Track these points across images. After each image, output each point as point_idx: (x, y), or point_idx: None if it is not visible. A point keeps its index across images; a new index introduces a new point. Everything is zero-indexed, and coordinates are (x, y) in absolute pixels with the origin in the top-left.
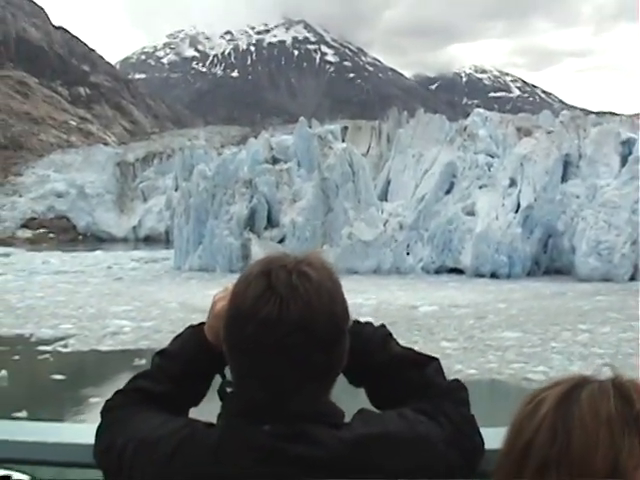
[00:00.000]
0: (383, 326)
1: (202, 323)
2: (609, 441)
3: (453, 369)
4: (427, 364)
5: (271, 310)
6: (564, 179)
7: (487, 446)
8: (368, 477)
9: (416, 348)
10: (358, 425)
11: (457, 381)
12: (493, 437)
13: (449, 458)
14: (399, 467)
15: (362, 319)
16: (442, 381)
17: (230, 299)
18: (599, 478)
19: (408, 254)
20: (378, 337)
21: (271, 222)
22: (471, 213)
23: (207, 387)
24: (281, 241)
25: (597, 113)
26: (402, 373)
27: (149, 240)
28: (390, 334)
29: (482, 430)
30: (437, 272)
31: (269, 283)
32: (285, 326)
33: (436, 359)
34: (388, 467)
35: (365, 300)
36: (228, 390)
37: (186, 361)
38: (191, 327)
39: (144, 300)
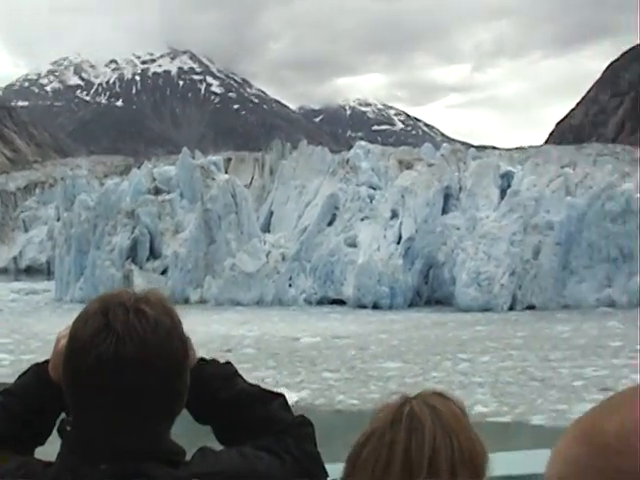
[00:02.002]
0: (229, 363)
1: (47, 361)
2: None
3: (335, 400)
4: (273, 400)
5: (107, 348)
6: (444, 211)
7: None
8: None
9: (298, 379)
10: (196, 463)
11: (302, 417)
12: (337, 471)
13: None
14: None
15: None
16: (287, 417)
17: (69, 336)
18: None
19: (290, 285)
20: (223, 374)
21: (153, 253)
22: (353, 245)
23: (52, 426)
24: (163, 272)
25: (478, 147)
26: (247, 409)
27: (30, 271)
28: (236, 371)
29: (328, 466)
30: (319, 303)
31: (106, 321)
32: (121, 364)
33: (282, 395)
34: None
35: (247, 331)
36: (68, 428)
37: (28, 399)
38: (35, 365)
39: (23, 332)
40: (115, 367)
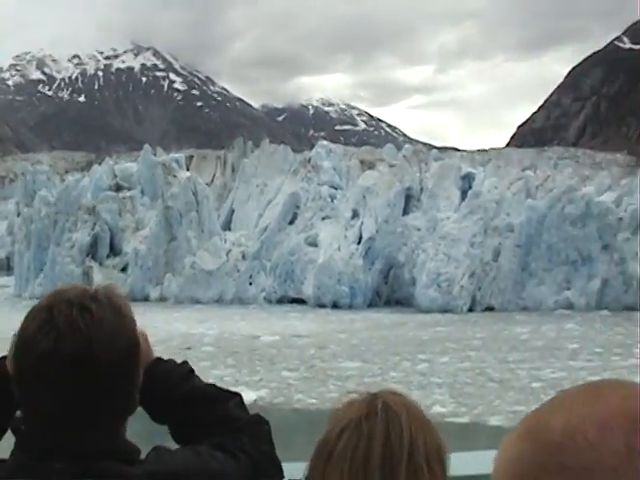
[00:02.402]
0: (185, 362)
1: (4, 357)
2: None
3: (294, 398)
4: (229, 399)
5: (48, 344)
6: (405, 212)
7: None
8: None
9: (257, 378)
10: (150, 462)
11: (258, 415)
12: (296, 470)
13: None
14: None
15: (173, 355)
16: (243, 416)
17: (18, 332)
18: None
19: (251, 284)
20: (179, 373)
21: (114, 250)
22: (314, 244)
23: (8, 422)
24: (123, 269)
25: (440, 148)
26: (203, 408)
27: None
28: (192, 370)
29: (286, 464)
30: (279, 302)
31: (50, 317)
32: (62, 360)
33: (238, 394)
34: None
35: (207, 330)
36: (22, 427)
37: None
38: None
39: None
40: (56, 363)
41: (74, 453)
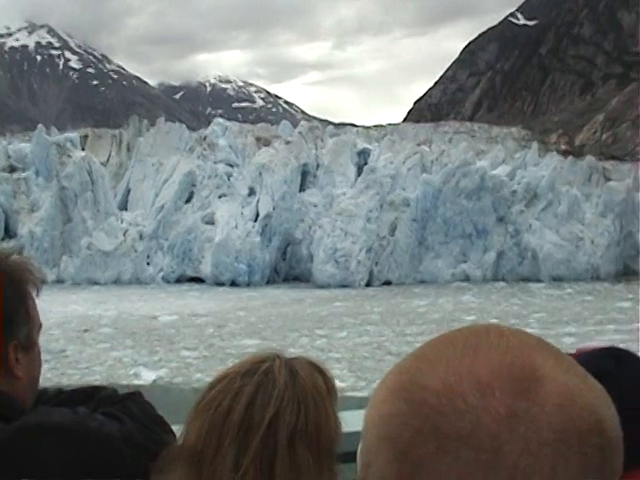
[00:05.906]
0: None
1: None
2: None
3: (193, 378)
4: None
5: None
6: (302, 188)
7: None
8: (27, 466)
9: (156, 358)
10: (25, 418)
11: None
12: None
13: (128, 455)
14: (60, 458)
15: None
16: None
17: None
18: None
19: (148, 264)
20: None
21: (8, 232)
22: (210, 222)
23: None
24: (19, 252)
25: (337, 124)
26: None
27: None
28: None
29: (175, 426)
30: (177, 281)
31: None
32: None
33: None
34: (47, 457)
35: (105, 311)
36: None
37: None
38: None
39: None
40: None
41: None
